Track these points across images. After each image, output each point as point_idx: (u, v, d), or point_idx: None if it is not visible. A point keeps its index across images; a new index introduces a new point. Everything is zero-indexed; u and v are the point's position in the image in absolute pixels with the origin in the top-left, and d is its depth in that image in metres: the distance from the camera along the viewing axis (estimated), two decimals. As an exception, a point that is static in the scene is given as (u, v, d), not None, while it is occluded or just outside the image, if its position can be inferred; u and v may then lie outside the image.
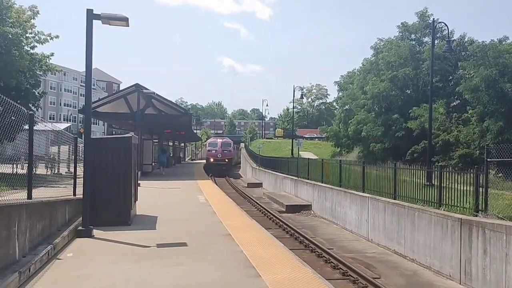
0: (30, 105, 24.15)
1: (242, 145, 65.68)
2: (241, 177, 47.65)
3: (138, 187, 14.37)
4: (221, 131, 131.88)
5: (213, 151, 48.38)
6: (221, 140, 51.25)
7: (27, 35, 23.05)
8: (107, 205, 10.65)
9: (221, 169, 45.86)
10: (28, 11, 23.11)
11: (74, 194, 11.10)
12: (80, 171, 10.87)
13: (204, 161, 54.13)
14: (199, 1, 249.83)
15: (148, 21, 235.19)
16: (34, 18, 23.22)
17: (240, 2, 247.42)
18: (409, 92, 42.10)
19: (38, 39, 23.70)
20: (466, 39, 39.56)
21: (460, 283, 10.07)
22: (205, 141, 68.67)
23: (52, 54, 24.68)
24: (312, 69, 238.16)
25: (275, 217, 18.95)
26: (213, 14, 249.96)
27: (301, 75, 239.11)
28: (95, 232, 9.67)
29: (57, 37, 24.18)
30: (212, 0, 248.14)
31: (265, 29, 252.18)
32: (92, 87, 12.66)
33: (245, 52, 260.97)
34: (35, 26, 23.54)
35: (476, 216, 10.14)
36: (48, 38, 23.84)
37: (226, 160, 48.35)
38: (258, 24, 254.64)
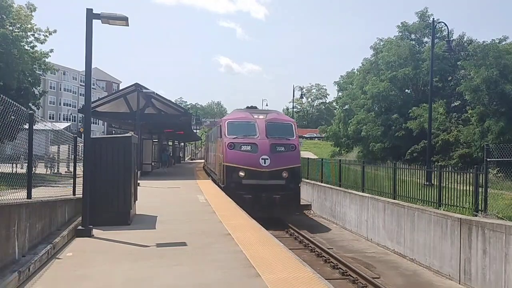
0: (30, 104, 24.17)
1: None
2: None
3: (138, 187, 14.36)
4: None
5: (245, 148, 18.23)
6: (263, 118, 19.32)
7: (27, 33, 23.08)
8: (106, 204, 10.65)
9: (272, 204, 17.45)
10: (25, 9, 23.15)
11: (74, 193, 11.10)
12: (79, 170, 10.87)
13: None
14: (194, 0, 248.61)
15: (146, 21, 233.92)
16: (32, 14, 23.27)
17: (235, 1, 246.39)
18: (408, 92, 42.18)
19: (37, 36, 23.74)
20: (465, 39, 39.65)
21: (459, 283, 10.08)
22: (215, 125, 29.56)
23: (51, 51, 24.71)
24: (311, 69, 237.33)
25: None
26: (208, 13, 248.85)
27: (301, 75, 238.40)
28: (95, 231, 9.66)
29: (55, 31, 24.22)
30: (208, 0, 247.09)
31: (262, 28, 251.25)
32: (92, 86, 12.66)
33: (243, 51, 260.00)
34: (35, 25, 23.61)
35: (476, 216, 10.15)
36: (47, 34, 23.88)
37: (285, 175, 17.89)
38: (254, 24, 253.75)
